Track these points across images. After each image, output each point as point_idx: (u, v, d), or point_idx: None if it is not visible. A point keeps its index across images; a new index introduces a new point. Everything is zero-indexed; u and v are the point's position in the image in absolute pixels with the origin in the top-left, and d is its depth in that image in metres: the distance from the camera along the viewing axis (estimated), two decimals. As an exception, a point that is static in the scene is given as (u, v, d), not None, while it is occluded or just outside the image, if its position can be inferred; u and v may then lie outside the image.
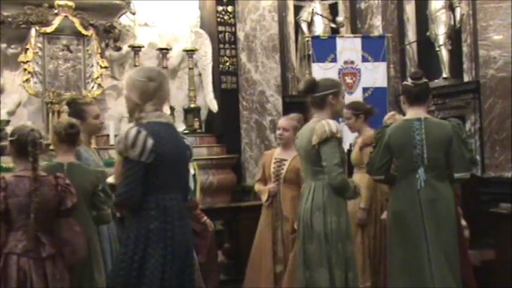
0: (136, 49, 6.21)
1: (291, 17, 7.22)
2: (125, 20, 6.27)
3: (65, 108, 5.47)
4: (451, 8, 6.38)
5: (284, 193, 3.84)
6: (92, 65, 5.84)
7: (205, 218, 3.79)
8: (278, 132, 3.97)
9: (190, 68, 6.53)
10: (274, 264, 3.78)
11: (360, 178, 3.90)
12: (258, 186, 4.00)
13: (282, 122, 4.01)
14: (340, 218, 2.99)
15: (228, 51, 6.61)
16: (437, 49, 6.43)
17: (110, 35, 6.08)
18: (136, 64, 6.24)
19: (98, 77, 5.84)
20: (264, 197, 3.86)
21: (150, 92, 2.52)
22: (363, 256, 4.01)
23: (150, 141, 2.41)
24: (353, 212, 3.87)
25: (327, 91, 3.11)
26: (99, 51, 5.87)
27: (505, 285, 3.43)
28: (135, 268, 2.40)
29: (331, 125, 2.98)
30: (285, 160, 3.89)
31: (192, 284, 2.56)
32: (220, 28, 6.61)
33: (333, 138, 2.96)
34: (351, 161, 4.09)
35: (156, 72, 2.61)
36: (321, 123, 3.01)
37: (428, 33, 6.58)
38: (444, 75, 6.36)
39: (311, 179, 3.06)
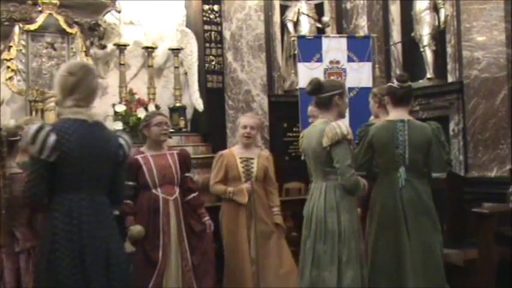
0: (121, 47, 6.17)
1: (277, 17, 7.23)
2: (110, 18, 6.22)
3: (49, 106, 5.45)
4: (435, 9, 6.44)
5: (257, 192, 3.83)
6: (77, 63, 5.79)
7: (206, 218, 3.70)
8: (245, 130, 3.86)
9: (175, 67, 6.51)
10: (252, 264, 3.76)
11: None
12: (222, 188, 3.82)
13: (249, 120, 3.93)
14: (352, 216, 3.05)
15: (214, 50, 6.60)
16: (422, 50, 6.48)
17: (95, 33, 6.03)
18: (122, 62, 6.21)
19: (82, 75, 5.79)
20: (245, 198, 3.77)
21: (69, 86, 2.45)
22: None
23: (51, 138, 2.32)
24: None
25: (333, 92, 3.15)
26: (84, 49, 5.81)
27: (487, 284, 3.48)
28: (42, 271, 2.33)
29: (342, 127, 3.03)
30: (252, 159, 3.87)
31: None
32: (206, 27, 6.59)
33: (344, 140, 3.01)
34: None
35: (78, 67, 2.53)
36: (331, 126, 3.04)
37: (413, 34, 6.63)
38: (428, 75, 6.42)
39: (322, 179, 3.09)
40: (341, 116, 3.21)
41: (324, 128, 3.07)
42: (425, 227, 3.20)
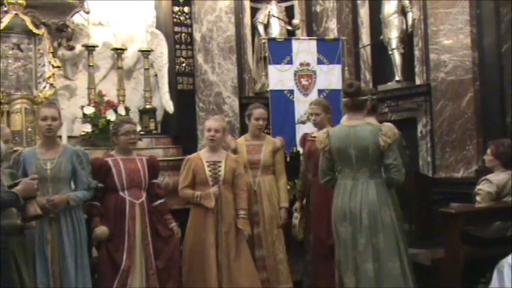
0: (90, 49, 6.09)
1: (247, 19, 7.23)
2: (78, 18, 6.13)
3: (15, 108, 5.34)
4: (403, 12, 6.54)
5: (224, 195, 3.81)
6: (44, 65, 5.67)
7: (173, 224, 3.71)
8: (209, 133, 3.85)
9: (146, 69, 6.45)
10: (218, 269, 3.73)
11: (269, 179, 4.05)
12: (189, 192, 3.77)
13: (213, 123, 3.92)
14: (395, 210, 3.32)
15: (184, 52, 6.56)
16: (390, 52, 6.58)
17: (63, 34, 5.93)
18: (90, 64, 6.13)
19: (49, 77, 5.68)
20: (212, 202, 3.73)
21: None
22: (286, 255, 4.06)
23: None
24: (272, 215, 3.98)
25: (367, 96, 3.42)
26: (51, 50, 5.71)
27: (454, 283, 3.54)
28: None
29: (395, 127, 3.34)
30: (219, 162, 3.84)
31: None
32: (177, 29, 6.55)
33: (397, 140, 3.30)
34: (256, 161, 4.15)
35: None
36: (388, 126, 3.32)
37: (381, 37, 6.72)
38: (397, 78, 6.51)
39: (368, 177, 3.26)
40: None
41: (373, 128, 3.28)
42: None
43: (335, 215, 3.34)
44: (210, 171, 3.79)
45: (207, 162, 3.81)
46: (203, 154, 3.90)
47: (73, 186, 3.53)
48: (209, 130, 3.86)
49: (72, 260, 3.34)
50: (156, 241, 3.63)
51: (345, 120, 3.59)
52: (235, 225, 3.84)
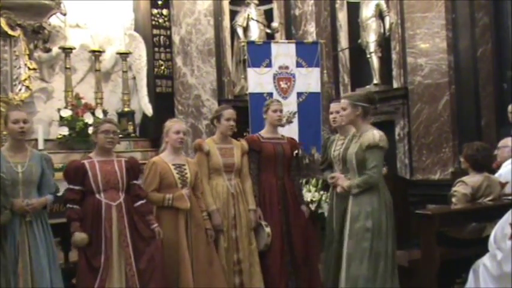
0: (67, 51, 6.04)
1: (226, 22, 7.24)
2: (55, 20, 6.08)
3: (-10, 110, 5.27)
4: (380, 16, 6.60)
5: (192, 197, 3.79)
6: (20, 67, 5.62)
7: (155, 225, 3.68)
8: (179, 136, 3.81)
9: (124, 71, 6.42)
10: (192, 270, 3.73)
11: (240, 182, 4.08)
12: (159, 196, 3.71)
13: (181, 126, 3.87)
14: None
15: (163, 55, 6.55)
16: (368, 56, 6.63)
17: (39, 36, 5.88)
18: (67, 66, 6.06)
19: (25, 79, 5.63)
20: (187, 203, 3.71)
21: None
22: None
23: None
24: (248, 218, 3.99)
25: None
26: (27, 52, 5.66)
27: (430, 283, 3.58)
28: None
29: None
30: (183, 165, 3.82)
31: None
32: (155, 31, 6.53)
33: None
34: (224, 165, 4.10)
35: None
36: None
37: (359, 41, 6.77)
38: (375, 81, 6.57)
39: None
40: None
41: None
42: None
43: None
44: (177, 173, 3.76)
45: (173, 165, 3.78)
46: (166, 157, 3.85)
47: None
48: (178, 132, 3.82)
49: (46, 261, 3.36)
50: (137, 242, 3.60)
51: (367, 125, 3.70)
52: (203, 226, 3.83)
